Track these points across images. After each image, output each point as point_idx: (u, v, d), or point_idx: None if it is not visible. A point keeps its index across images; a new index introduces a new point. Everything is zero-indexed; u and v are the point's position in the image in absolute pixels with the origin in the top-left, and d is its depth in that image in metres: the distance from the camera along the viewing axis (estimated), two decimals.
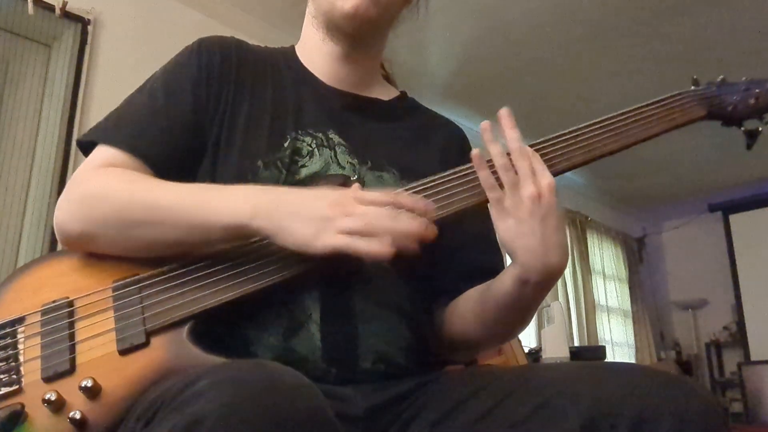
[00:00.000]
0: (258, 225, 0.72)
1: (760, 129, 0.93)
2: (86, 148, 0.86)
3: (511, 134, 0.77)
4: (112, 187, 0.79)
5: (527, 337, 4.30)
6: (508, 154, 0.76)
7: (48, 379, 0.68)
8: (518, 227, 0.74)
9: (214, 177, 0.84)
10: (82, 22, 2.62)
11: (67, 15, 2.56)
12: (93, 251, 0.80)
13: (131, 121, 0.85)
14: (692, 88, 0.93)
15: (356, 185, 0.75)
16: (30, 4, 2.43)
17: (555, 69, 3.76)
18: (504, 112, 0.78)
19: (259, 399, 0.52)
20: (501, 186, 0.76)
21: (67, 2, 2.54)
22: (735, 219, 6.03)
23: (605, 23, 3.35)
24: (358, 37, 0.92)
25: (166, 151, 0.84)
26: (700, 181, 5.61)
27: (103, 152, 0.84)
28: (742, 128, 0.93)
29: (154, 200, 0.76)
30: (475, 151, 0.78)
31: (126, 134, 0.84)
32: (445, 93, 4.03)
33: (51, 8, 2.52)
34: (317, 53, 0.96)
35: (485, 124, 0.78)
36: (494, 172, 0.76)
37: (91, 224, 0.78)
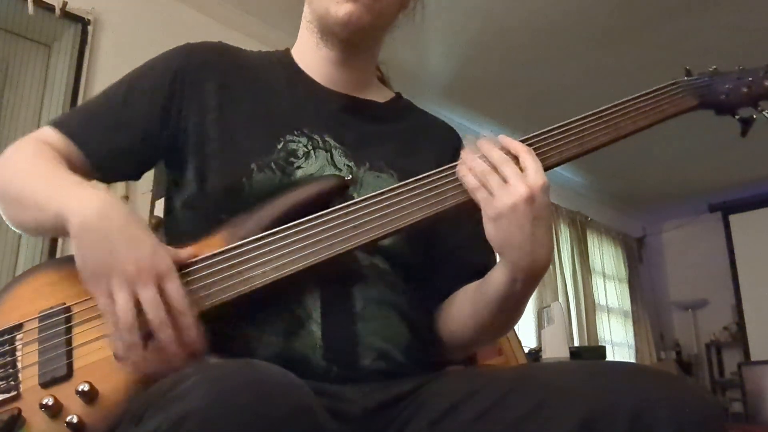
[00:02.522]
0: (72, 236, 0.71)
1: (755, 117, 0.93)
2: None
3: (492, 153, 0.78)
4: (17, 159, 0.83)
5: (527, 337, 4.30)
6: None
7: (45, 385, 0.69)
8: (508, 226, 0.74)
9: (205, 180, 0.85)
10: (82, 22, 2.62)
11: (67, 15, 2.57)
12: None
13: (84, 113, 0.91)
14: (684, 78, 0.93)
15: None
16: (30, 4, 2.43)
17: (555, 70, 3.76)
18: (481, 142, 0.80)
19: (244, 396, 0.52)
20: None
21: (67, 2, 2.54)
22: (735, 219, 6.02)
23: (605, 25, 3.35)
24: (351, 42, 0.93)
25: (106, 149, 0.87)
26: (700, 181, 5.60)
27: (45, 131, 0.87)
28: (737, 116, 0.94)
29: (29, 183, 0.79)
30: (458, 164, 0.79)
31: (73, 122, 0.88)
32: (446, 93, 4.03)
33: (51, 8, 2.53)
34: (312, 57, 0.96)
35: (464, 150, 0.80)
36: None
37: None
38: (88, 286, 0.69)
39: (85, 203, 0.72)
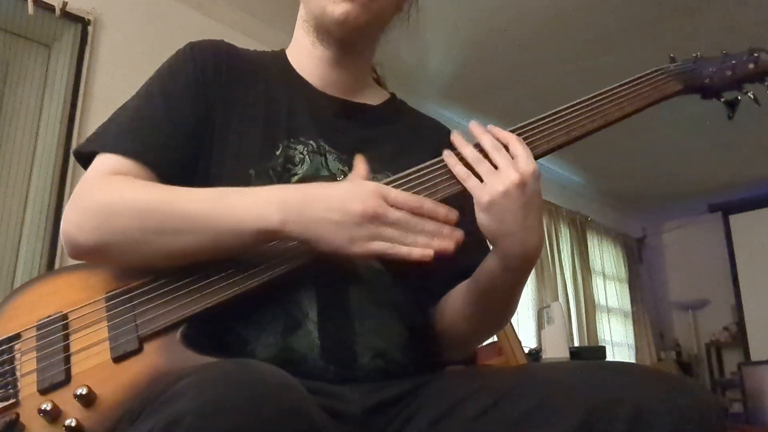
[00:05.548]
0: (290, 231, 0.73)
1: (739, 98, 0.94)
2: (86, 158, 0.84)
3: (483, 138, 0.79)
4: (129, 195, 0.77)
5: (527, 337, 4.30)
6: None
7: (44, 391, 0.69)
8: (500, 213, 0.75)
9: (207, 182, 0.84)
10: (82, 23, 2.62)
11: (67, 15, 2.56)
12: (104, 262, 0.79)
13: (133, 128, 0.84)
14: (669, 65, 0.94)
15: (380, 185, 0.75)
16: (30, 4, 2.43)
17: (555, 70, 3.76)
18: (473, 125, 0.81)
19: (237, 398, 0.52)
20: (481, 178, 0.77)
21: (67, 2, 2.54)
22: (735, 219, 6.03)
23: (604, 25, 3.35)
24: (347, 42, 0.93)
25: (171, 158, 0.83)
26: (700, 181, 5.60)
27: (107, 160, 0.82)
28: (722, 99, 0.95)
29: (177, 208, 0.75)
30: (446, 152, 0.80)
31: (130, 142, 0.82)
32: (446, 93, 4.03)
33: (51, 8, 2.52)
34: (308, 57, 0.96)
35: (454, 135, 0.81)
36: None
37: (107, 235, 0.76)
38: (353, 249, 0.72)
39: (278, 207, 0.73)
